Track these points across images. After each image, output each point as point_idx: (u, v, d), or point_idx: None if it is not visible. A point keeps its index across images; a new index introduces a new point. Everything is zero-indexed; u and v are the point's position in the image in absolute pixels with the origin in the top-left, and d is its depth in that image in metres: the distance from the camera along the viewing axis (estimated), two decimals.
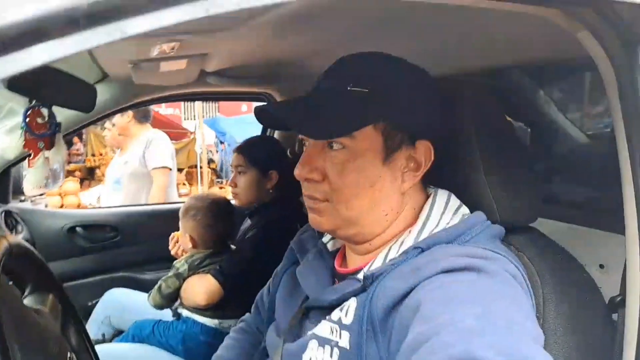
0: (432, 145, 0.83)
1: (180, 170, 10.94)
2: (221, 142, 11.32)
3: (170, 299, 1.81)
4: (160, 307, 1.83)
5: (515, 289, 0.69)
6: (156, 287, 1.83)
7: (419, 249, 0.76)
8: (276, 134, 2.63)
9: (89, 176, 9.98)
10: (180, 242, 1.95)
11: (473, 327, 0.56)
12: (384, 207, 0.83)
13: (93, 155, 10.21)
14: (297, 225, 1.96)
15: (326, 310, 0.83)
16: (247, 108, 12.35)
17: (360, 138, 0.80)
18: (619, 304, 0.81)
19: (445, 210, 0.83)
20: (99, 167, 9.72)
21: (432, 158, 0.83)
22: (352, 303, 0.77)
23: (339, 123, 0.79)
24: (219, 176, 10.88)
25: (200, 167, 9.89)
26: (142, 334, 1.83)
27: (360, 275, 0.80)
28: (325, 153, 0.82)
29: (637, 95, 0.68)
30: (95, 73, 1.94)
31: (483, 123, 0.90)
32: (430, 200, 0.85)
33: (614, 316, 0.85)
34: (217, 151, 11.62)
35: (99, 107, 2.05)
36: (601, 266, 1.06)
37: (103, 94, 2.02)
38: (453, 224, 0.80)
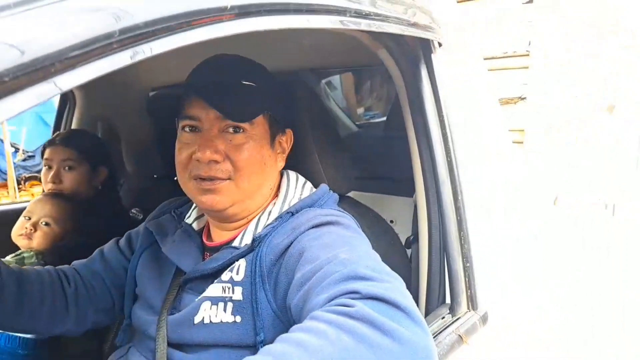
0: (292, 133, 1.05)
1: None
2: None
3: None
4: None
5: (360, 232, 0.95)
6: None
7: (290, 213, 0.96)
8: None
9: None
10: (28, 234, 1.70)
11: (349, 258, 0.78)
12: (269, 183, 1.01)
13: None
14: (126, 219, 1.95)
15: (208, 277, 0.95)
16: None
17: (256, 124, 0.95)
18: (412, 242, 1.16)
19: (297, 185, 1.05)
20: None
21: (292, 143, 1.05)
22: (241, 263, 0.92)
23: (247, 110, 0.93)
24: None
25: None
26: None
27: (236, 244, 0.96)
28: (223, 137, 0.93)
29: (418, 95, 1.00)
30: None
31: (313, 115, 1.14)
32: (285, 178, 1.05)
33: (408, 251, 1.21)
34: None
35: None
36: (391, 221, 1.43)
37: None
38: (305, 195, 1.02)
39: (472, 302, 1.00)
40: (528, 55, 2.19)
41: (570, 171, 1.99)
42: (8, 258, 1.72)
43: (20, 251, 1.75)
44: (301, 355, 0.59)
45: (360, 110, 3.84)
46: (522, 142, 2.18)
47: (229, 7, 0.54)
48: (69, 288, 1.10)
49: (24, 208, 1.85)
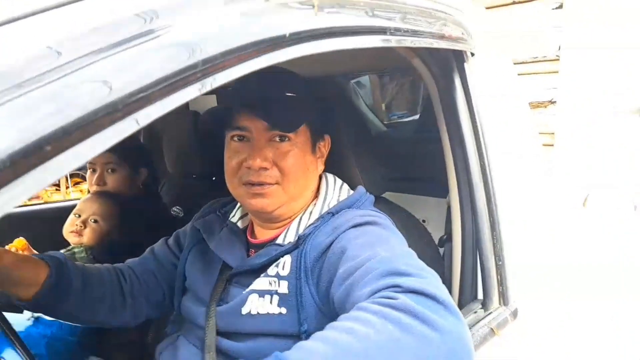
0: (330, 138, 1.11)
1: None
2: None
3: None
4: None
5: (397, 232, 1.02)
6: None
7: (331, 214, 1.03)
8: None
9: None
10: (79, 231, 1.83)
11: (389, 256, 0.84)
12: (312, 186, 1.08)
13: None
14: (168, 217, 2.06)
15: (254, 272, 1.03)
16: None
17: (299, 132, 1.03)
18: (445, 241, 1.22)
19: (335, 187, 1.12)
20: None
21: (329, 148, 1.12)
22: (287, 259, 0.99)
23: (292, 120, 1.00)
24: None
25: None
26: None
27: (280, 241, 1.04)
28: (270, 146, 1.01)
29: (451, 103, 1.06)
30: None
31: (347, 120, 1.21)
32: (324, 181, 1.12)
33: (441, 250, 1.27)
34: None
35: None
36: (424, 221, 1.49)
37: None
38: (343, 196, 1.09)
39: (504, 298, 1.05)
40: (558, 60, 2.20)
41: (599, 173, 2.01)
42: (62, 252, 1.85)
43: (71, 247, 1.87)
44: (350, 341, 0.65)
45: (389, 110, 3.83)
46: (552, 145, 2.19)
47: (287, 35, 0.61)
48: (126, 284, 1.19)
49: (74, 206, 1.99)
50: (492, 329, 0.98)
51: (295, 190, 1.04)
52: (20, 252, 1.88)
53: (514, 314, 1.05)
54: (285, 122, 1.00)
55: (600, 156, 2.02)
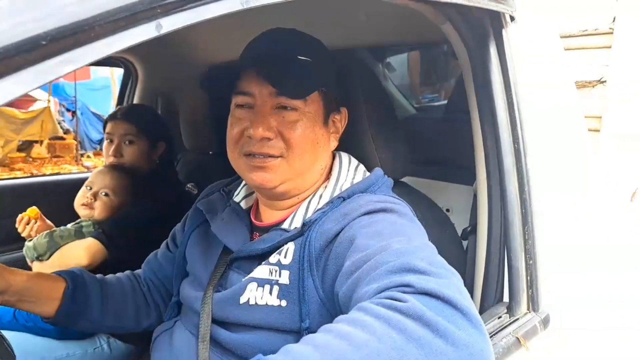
0: (347, 112, 1.00)
1: (38, 142, 9.27)
2: (67, 110, 9.89)
3: (46, 253, 1.70)
4: (33, 254, 1.70)
5: (416, 222, 0.89)
6: (45, 232, 1.71)
7: (342, 198, 0.91)
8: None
9: None
10: (89, 204, 1.81)
11: (403, 249, 0.73)
12: (321, 163, 0.97)
13: None
14: (182, 193, 2.01)
15: (255, 258, 0.93)
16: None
17: (310, 101, 0.92)
18: (469, 233, 1.08)
19: (350, 169, 1.00)
20: None
21: (347, 122, 1.00)
22: (290, 246, 0.89)
23: (302, 86, 0.89)
24: (81, 148, 9.53)
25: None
26: (1, 322, 1.67)
27: (286, 226, 0.93)
28: (276, 114, 0.91)
29: (485, 75, 0.92)
30: None
31: (368, 94, 1.08)
32: (337, 160, 1.00)
33: (464, 243, 1.13)
34: (62, 120, 10.05)
35: None
36: (447, 210, 1.35)
37: None
38: (358, 179, 0.97)
39: (533, 303, 0.91)
40: (611, 33, 1.96)
41: None
42: (69, 226, 1.81)
43: (79, 220, 1.83)
44: (345, 349, 0.55)
45: (421, 93, 3.71)
46: (598, 130, 1.98)
47: None
48: (144, 287, 1.20)
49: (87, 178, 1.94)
50: (518, 338, 0.85)
51: (301, 165, 0.93)
52: (33, 220, 1.86)
53: (545, 321, 0.92)
54: (294, 88, 0.89)
55: None
